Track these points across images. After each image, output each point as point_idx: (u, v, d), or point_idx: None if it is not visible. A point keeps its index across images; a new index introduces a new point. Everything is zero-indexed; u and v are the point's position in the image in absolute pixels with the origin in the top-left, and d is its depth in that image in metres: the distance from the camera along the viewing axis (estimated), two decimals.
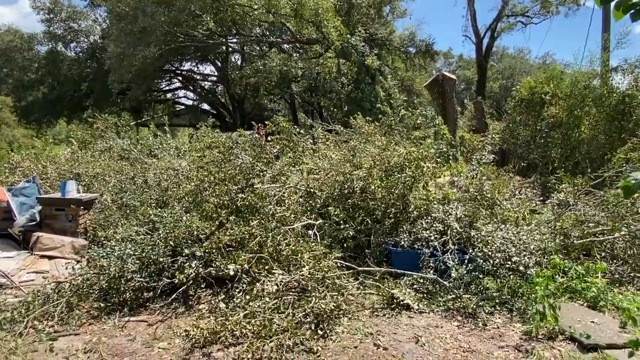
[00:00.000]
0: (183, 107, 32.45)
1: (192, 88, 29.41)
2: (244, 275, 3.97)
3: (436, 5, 58.65)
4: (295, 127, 6.42)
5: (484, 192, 5.35)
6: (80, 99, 26.19)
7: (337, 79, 17.08)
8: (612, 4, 1.78)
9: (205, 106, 30.90)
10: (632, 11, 1.73)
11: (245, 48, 23.87)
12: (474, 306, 3.98)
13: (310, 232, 4.76)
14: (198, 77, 28.99)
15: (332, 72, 18.21)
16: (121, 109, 23.68)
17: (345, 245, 5.07)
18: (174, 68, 27.33)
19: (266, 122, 6.35)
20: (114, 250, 4.09)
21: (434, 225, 5.02)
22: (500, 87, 34.68)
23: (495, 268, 4.41)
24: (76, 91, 25.57)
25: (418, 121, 6.91)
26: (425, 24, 63.51)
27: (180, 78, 29.37)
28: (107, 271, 3.94)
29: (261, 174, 5.28)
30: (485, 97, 25.47)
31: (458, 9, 75.65)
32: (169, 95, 31.82)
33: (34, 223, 5.70)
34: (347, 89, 16.24)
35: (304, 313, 3.64)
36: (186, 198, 5.12)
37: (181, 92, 31.94)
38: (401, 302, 4.05)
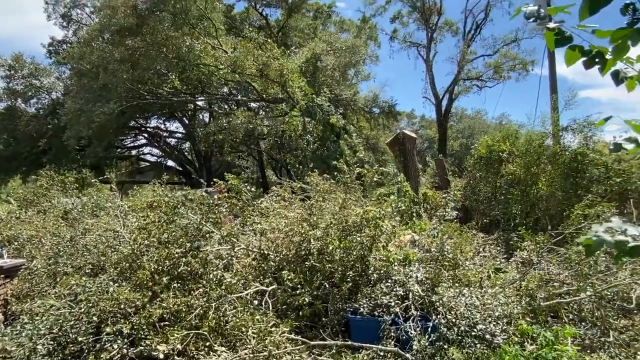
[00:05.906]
0: (148, 163, 31.75)
1: (157, 144, 28.98)
2: (177, 357, 3.43)
3: (398, 69, 62.66)
4: (248, 187, 6.03)
5: (445, 253, 5.10)
6: (37, 156, 25.21)
7: (302, 136, 17.17)
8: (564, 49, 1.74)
9: (171, 163, 30.38)
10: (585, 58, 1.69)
11: (212, 106, 24.01)
12: None
13: (257, 300, 4.31)
14: (164, 134, 28.73)
15: (297, 130, 18.35)
16: (80, 165, 22.85)
17: (301, 313, 4.63)
18: (139, 125, 27.02)
19: (214, 180, 6.00)
20: (24, 329, 3.49)
21: (394, 289, 4.68)
22: (461, 146, 36.04)
23: (460, 337, 4.06)
24: (33, 147, 24.65)
25: (375, 179, 6.74)
26: (388, 86, 66.39)
27: (146, 135, 28.99)
28: (10, 355, 3.32)
29: (208, 235, 4.85)
30: (447, 155, 26.30)
31: (418, 72, 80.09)
32: (134, 151, 31.17)
33: None
34: (312, 146, 16.31)
35: None
36: (122, 264, 4.58)
37: (147, 149, 31.39)
38: None
